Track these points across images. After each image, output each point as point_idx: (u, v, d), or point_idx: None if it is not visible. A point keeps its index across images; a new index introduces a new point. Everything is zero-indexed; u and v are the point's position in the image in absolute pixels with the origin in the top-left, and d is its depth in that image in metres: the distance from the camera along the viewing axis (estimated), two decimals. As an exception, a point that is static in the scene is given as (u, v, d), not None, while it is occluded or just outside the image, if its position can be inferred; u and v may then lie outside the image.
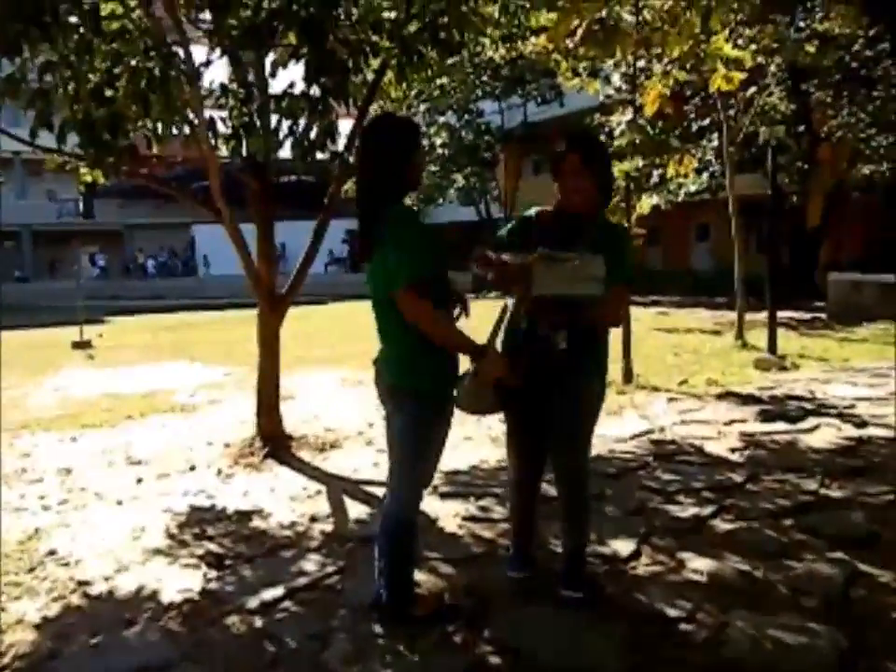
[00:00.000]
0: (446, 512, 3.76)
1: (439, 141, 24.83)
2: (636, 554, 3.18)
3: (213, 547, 3.49)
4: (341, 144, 4.79)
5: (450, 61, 4.98)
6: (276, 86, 4.47)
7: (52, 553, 3.49)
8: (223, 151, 4.60)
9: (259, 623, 2.73)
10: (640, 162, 7.38)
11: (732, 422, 5.42)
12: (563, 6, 5.69)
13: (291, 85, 4.29)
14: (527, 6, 6.24)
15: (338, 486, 4.31)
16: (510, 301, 2.70)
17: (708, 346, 9.74)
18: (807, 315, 13.49)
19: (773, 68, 10.45)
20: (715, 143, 13.89)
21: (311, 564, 3.22)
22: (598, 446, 4.36)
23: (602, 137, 15.91)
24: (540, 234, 2.64)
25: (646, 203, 7.63)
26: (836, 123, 14.73)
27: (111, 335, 14.03)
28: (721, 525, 3.49)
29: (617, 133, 9.11)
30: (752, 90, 10.07)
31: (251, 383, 5.41)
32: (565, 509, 2.86)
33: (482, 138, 25.55)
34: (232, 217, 4.73)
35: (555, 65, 7.54)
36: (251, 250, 4.97)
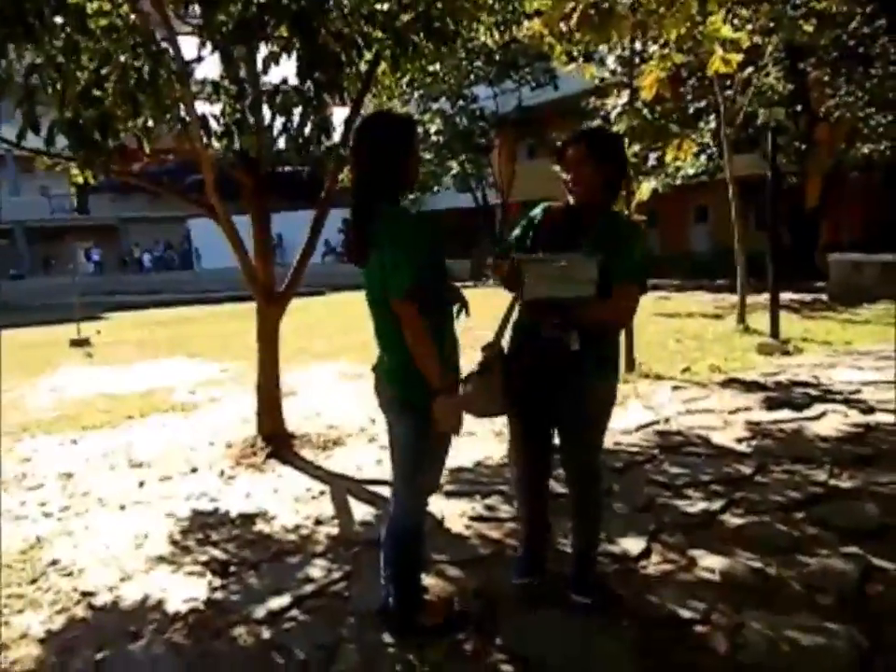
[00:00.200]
0: (452, 512, 3.72)
1: (433, 128, 24.66)
2: (646, 553, 3.14)
3: (217, 553, 3.45)
4: (336, 136, 4.71)
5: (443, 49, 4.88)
6: (268, 82, 4.39)
7: (55, 562, 3.46)
8: (216, 146, 4.52)
9: (266, 633, 2.69)
10: (637, 146, 7.29)
11: (737, 410, 5.38)
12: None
13: (284, 80, 4.21)
14: (522, -10, 6.13)
15: (342, 486, 4.27)
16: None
17: (710, 331, 9.69)
18: (808, 297, 13.42)
19: (770, 48, 10.33)
20: (712, 125, 13.77)
21: (317, 569, 3.18)
22: (604, 439, 4.31)
23: (598, 121, 15.85)
24: (548, 232, 2.57)
25: (645, 189, 7.54)
26: (834, 103, 14.61)
27: (109, 332, 13.97)
28: (732, 520, 3.44)
29: (613, 116, 9.01)
30: (750, 70, 9.95)
31: (251, 378, 5.35)
32: (575, 508, 2.80)
33: (476, 124, 25.39)
34: (227, 213, 4.65)
35: (549, 49, 7.42)
36: (246, 245, 4.89)
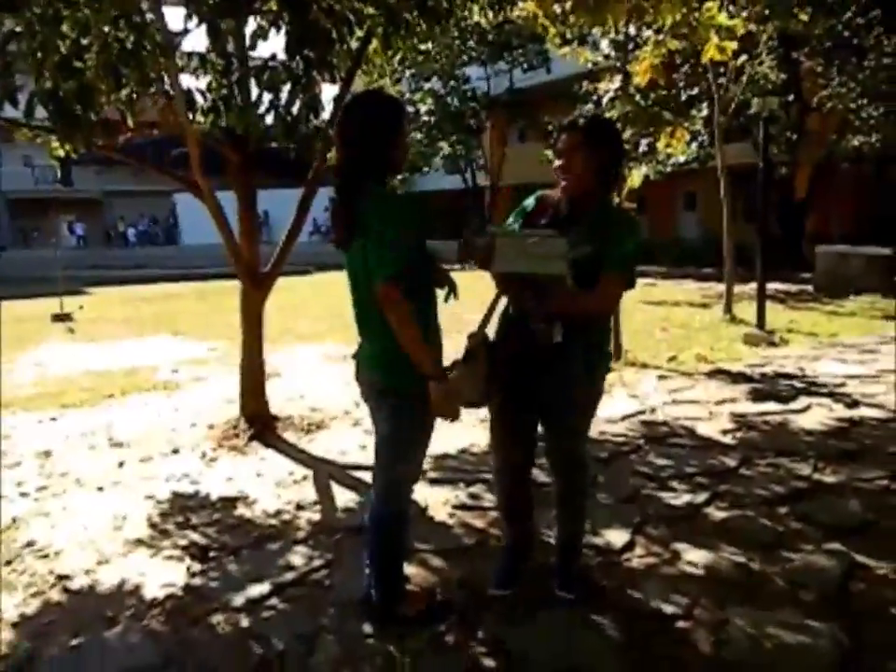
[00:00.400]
0: (436, 500, 3.69)
1: (424, 108, 24.47)
2: (630, 545, 3.13)
3: (197, 537, 3.40)
4: (325, 115, 4.61)
5: (436, 27, 4.78)
6: (258, 56, 4.28)
7: (31, 544, 3.39)
8: (201, 121, 4.41)
9: (244, 622, 2.65)
10: (629, 132, 7.22)
11: (723, 401, 5.38)
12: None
13: (273, 56, 4.10)
14: (518, -30, 6.03)
15: (325, 471, 4.22)
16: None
17: (697, 320, 9.70)
18: (794, 287, 13.49)
19: (764, 37, 10.27)
20: (705, 112, 13.70)
21: (298, 557, 3.14)
22: (590, 427, 4.29)
23: (590, 105, 15.74)
24: (540, 221, 2.51)
25: (636, 176, 7.49)
26: (827, 93, 14.57)
27: (92, 307, 13.78)
28: (716, 514, 3.44)
29: (605, 101, 8.92)
30: (743, 58, 9.89)
31: (235, 358, 5.28)
32: (559, 497, 2.76)
33: (467, 105, 25.19)
34: (211, 190, 4.55)
35: (543, 31, 7.32)
36: (232, 222, 4.79)
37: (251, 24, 4.17)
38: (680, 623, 2.55)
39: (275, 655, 2.46)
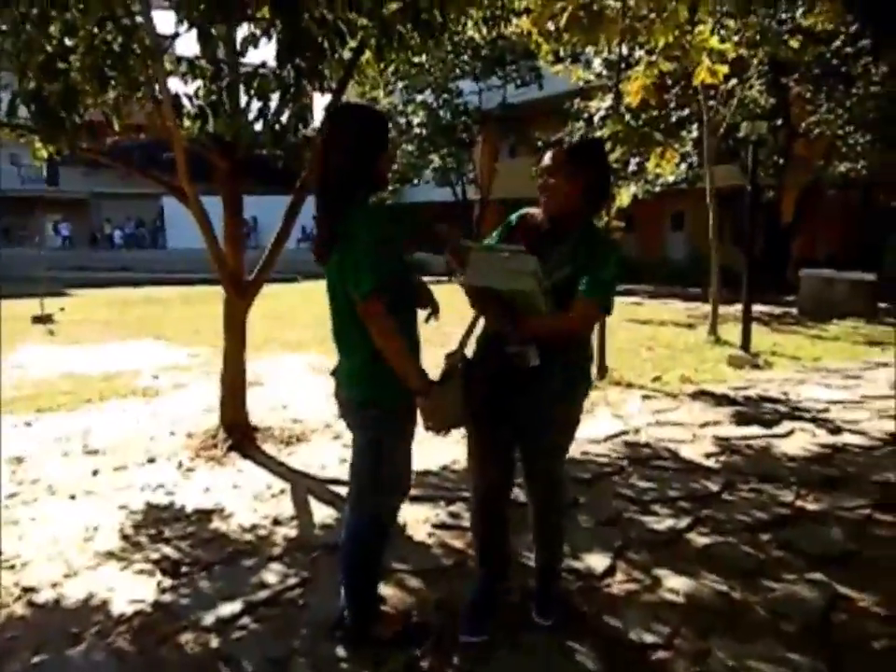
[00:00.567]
0: (415, 518, 3.63)
1: (416, 120, 24.50)
2: (610, 570, 3.07)
3: (169, 551, 3.32)
4: (314, 125, 4.57)
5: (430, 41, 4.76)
6: (248, 63, 4.23)
7: (-3, 554, 3.30)
8: (188, 127, 4.35)
9: (214, 642, 2.57)
10: (619, 151, 7.23)
11: (706, 424, 5.36)
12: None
13: (263, 64, 4.05)
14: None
15: (303, 485, 4.15)
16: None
17: (682, 340, 9.70)
18: (778, 310, 13.55)
19: (755, 61, 10.36)
20: (694, 133, 13.80)
21: (272, 574, 3.06)
22: (572, 448, 4.22)
23: (581, 123, 15.77)
24: (522, 239, 2.47)
25: (625, 195, 7.49)
26: (815, 119, 14.72)
27: (74, 309, 13.63)
28: (698, 539, 3.39)
29: (597, 119, 8.95)
30: (734, 82, 9.98)
31: (218, 365, 5.18)
32: (537, 518, 2.71)
33: (459, 118, 25.23)
34: (197, 196, 4.48)
35: (537, 48, 7.34)
36: (217, 228, 4.73)
37: (242, 30, 4.13)
38: (660, 654, 2.50)
39: (244, 678, 2.39)
